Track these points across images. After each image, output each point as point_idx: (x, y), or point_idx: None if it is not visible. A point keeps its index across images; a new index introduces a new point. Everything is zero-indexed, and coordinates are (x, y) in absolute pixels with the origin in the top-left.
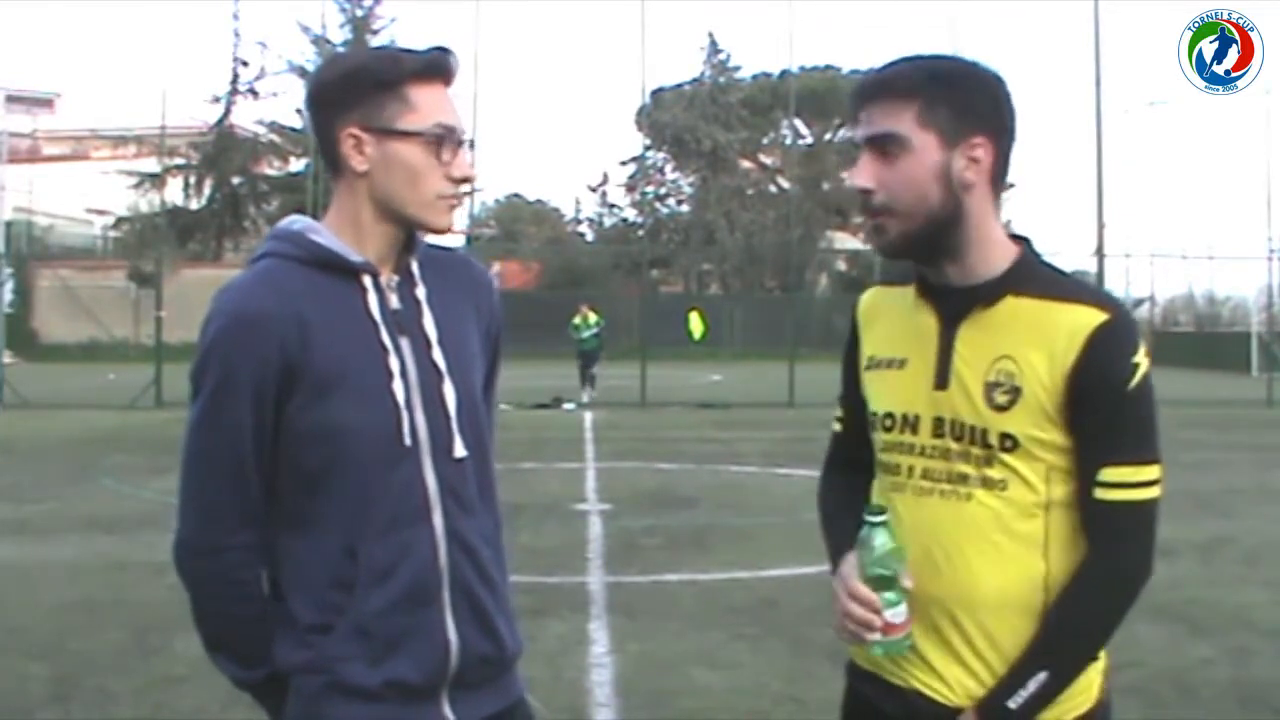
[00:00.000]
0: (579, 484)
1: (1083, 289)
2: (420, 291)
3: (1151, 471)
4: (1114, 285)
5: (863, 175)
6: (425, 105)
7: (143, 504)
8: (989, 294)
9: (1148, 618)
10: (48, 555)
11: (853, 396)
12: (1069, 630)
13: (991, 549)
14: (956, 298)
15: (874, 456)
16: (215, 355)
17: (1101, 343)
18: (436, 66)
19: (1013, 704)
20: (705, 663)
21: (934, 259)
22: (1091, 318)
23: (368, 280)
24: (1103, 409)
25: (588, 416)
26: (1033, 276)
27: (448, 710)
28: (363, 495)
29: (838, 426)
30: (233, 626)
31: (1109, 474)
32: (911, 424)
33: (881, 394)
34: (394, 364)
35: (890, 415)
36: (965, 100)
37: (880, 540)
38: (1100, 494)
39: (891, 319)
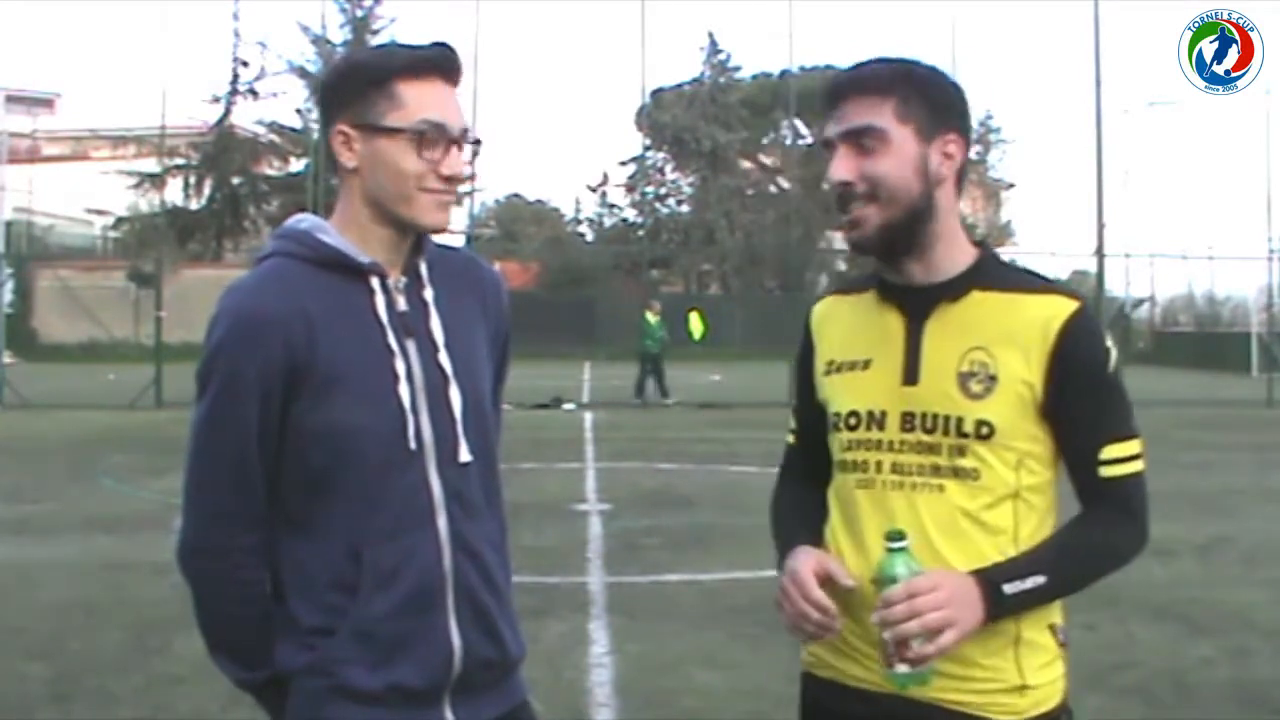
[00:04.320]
0: (579, 484)
1: (1046, 282)
2: (428, 293)
3: (1138, 444)
4: (1114, 285)
5: (841, 169)
6: (413, 101)
7: (143, 504)
8: (955, 289)
9: (1148, 618)
10: (48, 555)
11: (807, 407)
12: (1078, 558)
13: (963, 539)
14: (921, 296)
15: (827, 463)
16: (221, 355)
17: (1078, 331)
18: (426, 62)
19: (1008, 589)
20: (705, 663)
21: (904, 255)
22: (1063, 307)
23: (375, 281)
24: (1091, 393)
25: (588, 416)
26: (996, 272)
27: (450, 714)
28: (367, 498)
29: (790, 438)
30: (235, 627)
31: (1110, 451)
32: (878, 420)
33: (844, 394)
34: (400, 366)
35: (855, 413)
36: (938, 98)
37: (903, 566)
38: (1106, 471)
39: (849, 323)
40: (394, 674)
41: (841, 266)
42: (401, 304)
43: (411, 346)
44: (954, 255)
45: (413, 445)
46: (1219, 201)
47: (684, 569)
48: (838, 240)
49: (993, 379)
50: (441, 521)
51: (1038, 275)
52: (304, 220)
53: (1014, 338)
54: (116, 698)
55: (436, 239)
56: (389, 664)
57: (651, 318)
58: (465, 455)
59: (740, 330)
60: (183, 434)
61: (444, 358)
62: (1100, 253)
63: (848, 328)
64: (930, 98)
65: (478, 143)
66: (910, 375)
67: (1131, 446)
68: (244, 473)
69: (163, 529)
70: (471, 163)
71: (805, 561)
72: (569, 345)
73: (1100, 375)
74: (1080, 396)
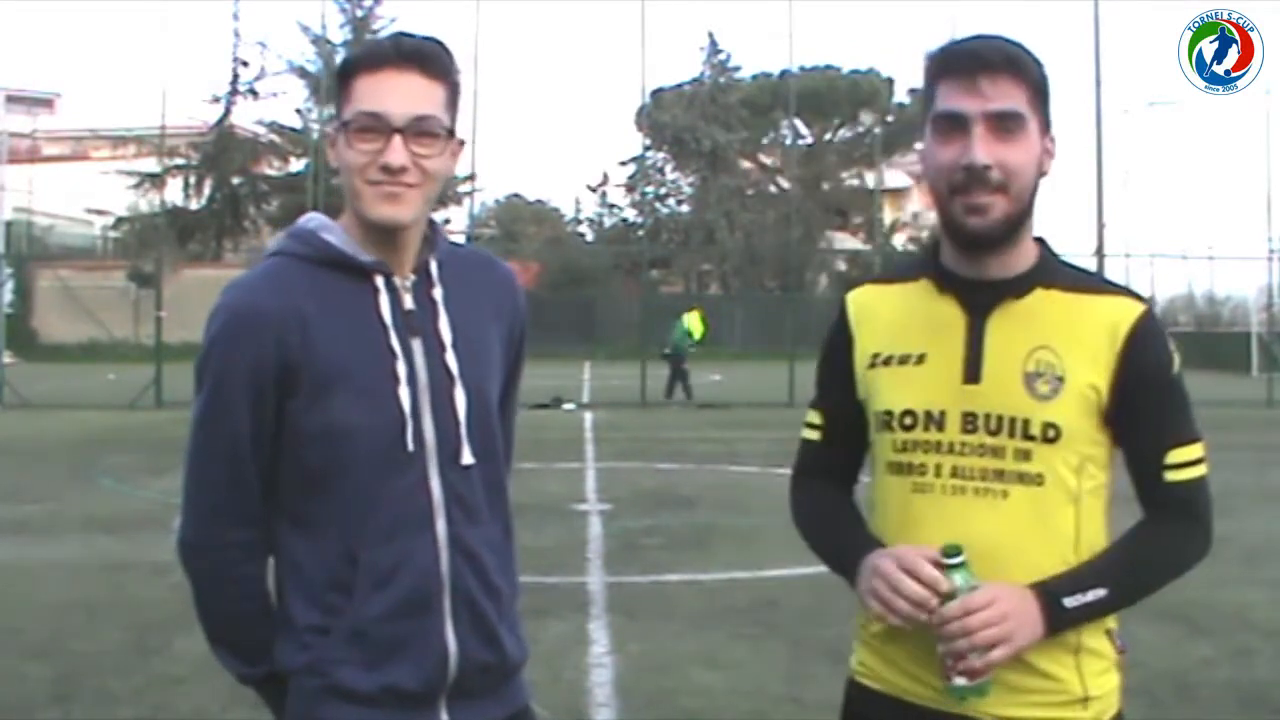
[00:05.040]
0: (579, 484)
1: (1109, 283)
2: (437, 292)
3: (1201, 448)
4: None
5: (984, 151)
6: (359, 94)
7: (143, 504)
8: (1019, 286)
9: (1148, 618)
10: (48, 555)
11: (839, 402)
12: (1141, 568)
13: (1025, 547)
14: (985, 290)
15: (856, 463)
16: (215, 350)
17: (1145, 334)
18: (378, 55)
19: (1069, 603)
20: (705, 663)
21: (1001, 249)
22: (1131, 310)
23: (379, 280)
24: (1157, 396)
25: (588, 416)
26: (1058, 271)
27: (446, 717)
28: (364, 499)
29: (813, 435)
30: (234, 623)
31: (1175, 456)
32: (937, 421)
33: (895, 391)
34: (401, 368)
35: (910, 413)
36: (1048, 94)
37: (961, 582)
38: (1172, 476)
39: (896, 314)
40: (389, 675)
41: (841, 266)
42: (408, 303)
43: (417, 346)
44: (1027, 251)
45: (411, 447)
46: (1219, 201)
47: (684, 569)
48: (838, 240)
49: (1060, 380)
50: (440, 524)
51: (1098, 275)
52: (312, 220)
53: (1081, 339)
54: (116, 698)
55: (452, 237)
56: (384, 665)
57: (687, 320)
58: (468, 458)
59: (740, 330)
60: (183, 434)
61: (450, 358)
62: (1100, 253)
63: (894, 319)
64: (1046, 93)
65: (452, 133)
66: (972, 373)
67: (1196, 450)
68: (239, 469)
69: (163, 529)
70: (436, 153)
71: (903, 551)
72: (569, 345)
73: (1166, 379)
74: (1146, 401)
